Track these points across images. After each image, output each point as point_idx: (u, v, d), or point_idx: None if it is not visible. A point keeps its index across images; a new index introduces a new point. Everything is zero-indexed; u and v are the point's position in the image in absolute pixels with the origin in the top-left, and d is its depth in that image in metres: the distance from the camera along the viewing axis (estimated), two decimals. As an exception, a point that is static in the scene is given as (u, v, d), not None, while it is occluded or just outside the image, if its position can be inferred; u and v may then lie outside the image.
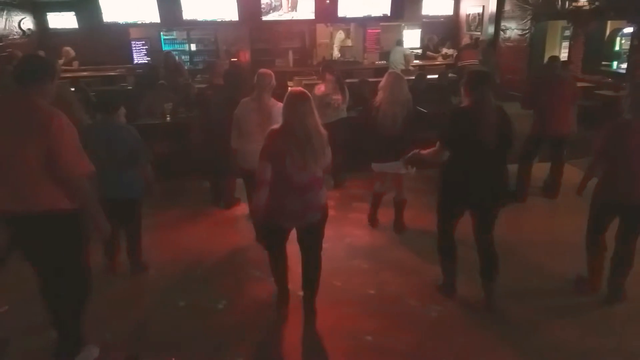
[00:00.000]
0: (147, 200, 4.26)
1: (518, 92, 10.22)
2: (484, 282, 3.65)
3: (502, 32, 11.32)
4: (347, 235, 4.92)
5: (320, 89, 5.82)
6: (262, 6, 9.98)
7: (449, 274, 3.85)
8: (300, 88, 3.31)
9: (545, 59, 6.83)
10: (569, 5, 9.07)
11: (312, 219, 3.26)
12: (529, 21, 10.31)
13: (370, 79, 7.91)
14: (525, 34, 10.49)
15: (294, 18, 10.27)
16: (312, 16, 10.26)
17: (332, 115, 5.69)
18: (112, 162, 3.78)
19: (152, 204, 4.84)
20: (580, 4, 8.78)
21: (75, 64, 11.03)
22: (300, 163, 3.05)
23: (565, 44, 10.26)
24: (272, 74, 4.36)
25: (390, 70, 5.08)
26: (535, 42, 10.52)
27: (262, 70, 4.38)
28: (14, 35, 10.62)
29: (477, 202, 3.54)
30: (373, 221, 5.15)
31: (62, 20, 11.55)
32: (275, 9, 10.06)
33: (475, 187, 3.47)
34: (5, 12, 10.29)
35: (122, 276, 4.22)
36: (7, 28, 10.35)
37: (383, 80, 4.61)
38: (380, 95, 4.56)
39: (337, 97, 5.79)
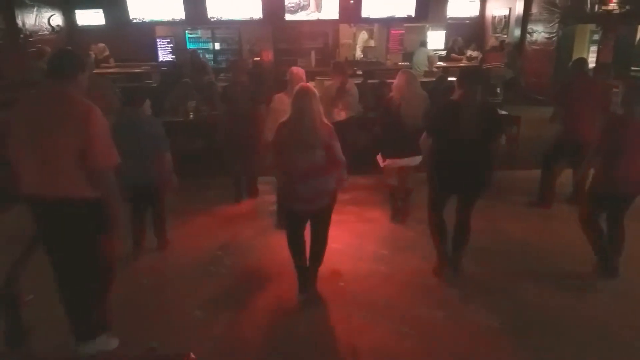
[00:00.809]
0: (168, 188, 4.51)
1: (543, 96, 10.13)
2: (454, 250, 4.14)
3: (528, 35, 11.17)
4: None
5: (331, 88, 5.86)
6: (291, 5, 9.99)
7: (442, 253, 4.17)
8: (306, 84, 3.67)
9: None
10: (598, 9, 8.91)
11: (320, 204, 3.57)
12: (557, 24, 10.16)
13: (390, 80, 7.85)
14: (553, 37, 10.33)
15: (317, 18, 10.27)
16: (335, 16, 10.24)
17: (340, 114, 5.71)
18: (137, 151, 4.02)
19: (174, 203, 5.08)
20: (610, 7, 8.61)
21: (111, 61, 11.24)
22: (300, 151, 3.38)
23: (594, 48, 10.07)
24: (304, 71, 4.85)
25: (402, 70, 5.17)
26: (562, 46, 10.36)
27: (295, 67, 4.92)
28: (44, 31, 10.83)
29: (460, 187, 3.92)
30: (397, 216, 5.29)
31: (90, 17, 11.76)
32: (303, 7, 10.07)
33: (458, 174, 3.82)
34: (35, 9, 10.50)
35: (147, 263, 4.44)
36: (37, 24, 10.56)
37: (397, 80, 4.86)
38: (396, 95, 4.81)
39: (339, 109, 5.69)
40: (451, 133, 3.74)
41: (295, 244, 3.80)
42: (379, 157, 5.15)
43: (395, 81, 4.92)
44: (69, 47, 11.13)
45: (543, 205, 5.53)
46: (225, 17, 10.21)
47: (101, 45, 10.91)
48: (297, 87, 3.55)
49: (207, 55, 11.41)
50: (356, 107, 6.08)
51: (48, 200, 2.84)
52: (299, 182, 3.46)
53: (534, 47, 11.03)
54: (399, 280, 4.14)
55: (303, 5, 10.00)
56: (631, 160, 3.81)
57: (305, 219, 3.73)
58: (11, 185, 2.96)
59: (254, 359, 3.26)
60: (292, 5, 9.98)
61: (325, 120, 3.52)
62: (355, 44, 12.08)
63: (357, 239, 4.89)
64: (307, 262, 3.83)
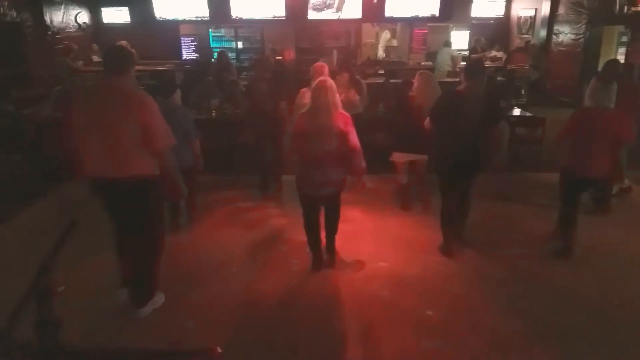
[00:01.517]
0: (196, 170, 4.85)
1: (569, 97, 9.96)
2: (459, 226, 4.50)
3: (554, 36, 10.99)
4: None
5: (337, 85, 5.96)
6: (318, 3, 10.00)
7: (448, 237, 4.47)
8: (324, 78, 3.95)
9: (600, 65, 6.56)
10: (627, 10, 8.71)
11: (330, 190, 3.91)
12: (584, 25, 9.97)
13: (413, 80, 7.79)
14: (579, 38, 10.15)
15: (340, 17, 10.27)
16: (358, 15, 10.22)
17: (347, 110, 5.71)
18: None
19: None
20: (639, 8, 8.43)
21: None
22: (315, 141, 3.69)
23: (622, 50, 9.84)
24: (326, 65, 5.15)
25: (420, 71, 5.25)
26: (589, 48, 10.17)
27: (318, 63, 5.24)
28: (70, 28, 11.04)
29: (462, 172, 4.24)
30: (408, 206, 5.45)
31: (116, 15, 11.93)
32: (329, 6, 10.08)
33: (459, 161, 4.14)
34: (63, 6, 10.70)
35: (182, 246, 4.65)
36: (64, 21, 10.76)
37: (416, 82, 5.06)
38: (417, 95, 4.99)
39: (350, 93, 5.87)
40: (454, 123, 4.06)
41: (310, 225, 4.16)
42: (393, 154, 5.26)
43: (415, 83, 5.08)
44: (94, 45, 11.37)
45: (601, 210, 5.31)
46: (248, 16, 10.28)
47: (123, 42, 11.07)
48: (315, 81, 3.85)
49: (230, 54, 11.48)
50: (363, 105, 6.16)
51: (112, 180, 3.20)
52: (314, 169, 3.78)
53: (560, 48, 10.85)
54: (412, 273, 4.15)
55: (329, 3, 10.00)
56: (598, 147, 4.17)
57: (318, 203, 4.06)
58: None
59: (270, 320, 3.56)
60: (319, 3, 9.99)
61: (342, 111, 3.82)
62: (377, 44, 12.03)
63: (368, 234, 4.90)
64: (321, 243, 4.23)
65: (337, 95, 3.78)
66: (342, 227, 4.32)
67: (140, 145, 3.15)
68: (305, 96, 4.94)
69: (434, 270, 4.24)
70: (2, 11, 8.82)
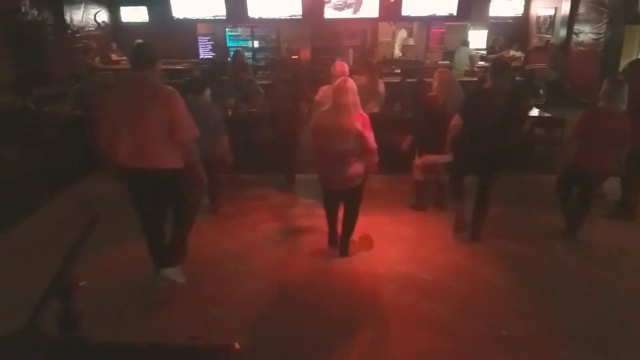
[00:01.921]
0: (224, 163, 5.04)
1: (589, 98, 9.80)
2: (474, 220, 4.63)
3: (574, 36, 10.83)
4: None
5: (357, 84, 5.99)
6: (338, 3, 9.98)
7: (459, 214, 4.78)
8: (345, 78, 4.03)
9: (622, 66, 6.44)
10: (650, 9, 8.56)
11: (349, 185, 4.03)
12: (605, 25, 9.80)
13: (428, 80, 7.72)
14: (600, 38, 9.98)
15: (357, 16, 10.24)
16: (375, 14, 10.18)
17: (364, 110, 5.73)
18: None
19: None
20: (663, 7, 8.27)
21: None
22: (335, 139, 3.81)
23: (644, 50, 9.69)
24: (346, 64, 5.21)
25: (439, 70, 5.24)
26: (610, 48, 9.99)
27: (338, 62, 5.27)
28: (90, 27, 11.16)
29: (481, 166, 4.42)
30: (423, 206, 5.46)
31: (134, 14, 12.04)
32: (349, 5, 10.05)
33: (480, 155, 4.33)
34: (83, 6, 10.82)
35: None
36: (83, 20, 10.89)
37: (435, 81, 5.05)
38: (439, 94, 4.97)
39: (369, 92, 5.85)
40: (479, 119, 4.22)
41: (330, 214, 4.46)
42: (417, 156, 5.21)
43: (434, 81, 5.03)
44: (113, 44, 11.49)
45: (627, 216, 5.20)
46: (265, 16, 10.30)
47: (139, 41, 11.18)
48: (336, 81, 3.95)
49: (246, 53, 11.51)
50: (380, 104, 6.19)
51: (141, 170, 3.41)
52: (333, 165, 3.93)
53: (580, 48, 10.69)
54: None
55: (349, 3, 9.98)
56: (602, 145, 4.34)
57: (338, 196, 4.24)
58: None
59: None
60: (340, 3, 9.96)
61: (361, 112, 3.94)
62: (393, 43, 11.97)
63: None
64: (337, 227, 4.47)
65: (357, 96, 3.88)
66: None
67: (166, 136, 3.35)
68: (326, 95, 4.98)
69: (446, 270, 4.23)
70: (23, 10, 8.95)
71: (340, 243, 4.44)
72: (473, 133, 4.31)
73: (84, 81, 7.23)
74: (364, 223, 4.65)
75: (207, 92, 4.93)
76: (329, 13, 10.16)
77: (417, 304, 3.72)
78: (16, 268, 4.20)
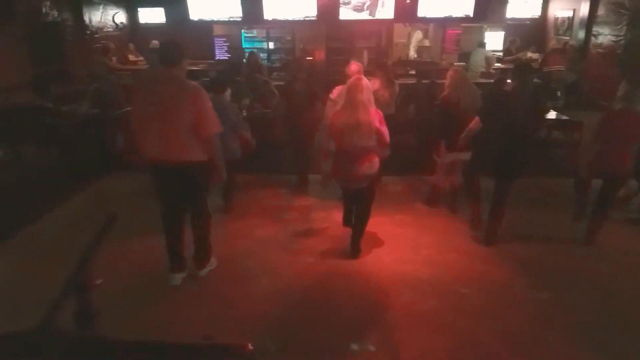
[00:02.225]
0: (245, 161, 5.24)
1: (608, 101, 9.66)
2: (489, 224, 4.58)
3: (593, 38, 10.68)
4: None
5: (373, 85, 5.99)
6: (358, 4, 9.96)
7: (474, 211, 4.84)
8: (358, 76, 4.05)
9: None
10: (671, 11, 8.41)
11: (362, 184, 4.10)
12: (625, 27, 9.65)
13: (440, 81, 7.68)
14: (620, 40, 9.83)
15: (372, 17, 10.20)
16: (391, 16, 10.14)
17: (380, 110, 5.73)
18: None
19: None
20: (685, 9, 8.12)
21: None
22: (353, 136, 3.86)
23: (665, 52, 9.50)
24: (360, 65, 5.27)
25: (452, 68, 5.29)
26: (630, 50, 9.83)
27: (353, 63, 5.36)
28: (108, 28, 11.29)
29: (499, 168, 4.36)
30: (436, 201, 5.51)
31: (152, 15, 12.15)
32: (370, 7, 10.02)
33: (499, 156, 4.29)
34: (101, 6, 10.95)
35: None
36: (102, 21, 11.02)
37: (449, 78, 5.10)
38: (447, 91, 5.05)
39: (384, 93, 5.91)
40: (499, 120, 4.23)
41: (347, 213, 4.65)
42: (438, 153, 5.27)
43: (447, 79, 5.09)
44: (131, 44, 11.60)
45: None
46: (280, 17, 10.31)
47: (155, 42, 11.24)
48: (350, 81, 4.02)
49: (261, 55, 11.55)
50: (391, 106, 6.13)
51: (166, 163, 3.53)
52: (346, 164, 4.00)
53: (599, 50, 10.54)
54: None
55: (368, 4, 9.95)
56: (622, 147, 4.35)
57: (352, 194, 4.35)
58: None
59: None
60: (359, 4, 9.94)
61: (375, 108, 3.98)
62: (409, 44, 11.92)
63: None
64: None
65: (371, 93, 3.95)
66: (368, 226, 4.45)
67: (191, 131, 3.47)
68: (341, 94, 4.98)
69: (460, 273, 4.20)
70: (44, 11, 9.09)
71: (352, 244, 4.44)
72: (492, 135, 4.32)
73: (102, 81, 7.32)
74: (376, 222, 4.67)
75: (228, 92, 5.07)
76: (346, 14, 10.14)
77: (433, 309, 3.70)
78: (35, 265, 4.26)
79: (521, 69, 4.46)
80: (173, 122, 3.44)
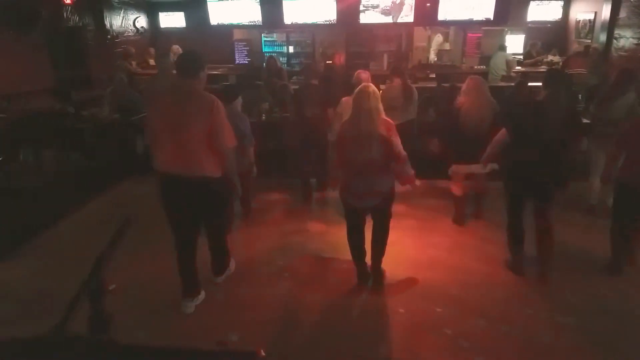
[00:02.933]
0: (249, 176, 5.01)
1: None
2: (540, 258, 4.06)
3: (615, 41, 10.48)
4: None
5: (389, 91, 6.04)
6: (386, 8, 9.93)
7: (516, 254, 4.22)
8: (367, 84, 3.79)
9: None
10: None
11: (375, 201, 3.73)
12: (648, 29, 9.44)
13: (459, 84, 7.57)
14: (643, 42, 9.62)
15: (392, 21, 10.17)
16: (410, 19, 10.09)
17: (399, 117, 5.68)
18: None
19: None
20: None
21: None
22: (357, 148, 3.55)
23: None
24: (369, 73, 5.18)
25: (471, 76, 5.11)
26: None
27: (362, 71, 5.24)
28: (129, 32, 11.44)
29: (534, 188, 3.91)
30: (460, 219, 5.31)
31: (172, 20, 12.28)
32: (397, 10, 9.98)
33: (532, 174, 3.84)
34: (122, 11, 11.11)
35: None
36: (123, 25, 11.17)
37: (465, 85, 4.92)
38: (463, 99, 4.84)
39: (400, 98, 5.93)
40: (531, 133, 3.78)
41: (352, 236, 4.00)
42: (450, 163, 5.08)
43: (463, 86, 4.94)
44: (151, 49, 11.74)
45: None
46: (300, 21, 10.34)
47: (175, 47, 11.35)
48: (358, 88, 3.74)
49: (281, 59, 11.58)
50: (413, 111, 6.18)
51: (179, 177, 3.41)
52: (356, 178, 3.68)
53: (621, 53, 10.33)
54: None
55: (394, 8, 9.90)
56: None
57: (362, 214, 3.92)
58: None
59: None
60: (387, 8, 9.90)
61: (385, 117, 3.70)
62: (429, 47, 11.84)
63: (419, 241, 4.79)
64: (365, 254, 4.03)
65: (380, 101, 3.66)
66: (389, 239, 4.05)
67: (206, 144, 3.37)
68: (348, 105, 4.83)
69: (487, 290, 4.06)
70: (65, 16, 9.25)
71: (373, 272, 4.07)
72: (522, 150, 3.86)
73: (115, 82, 7.41)
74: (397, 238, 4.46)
75: (239, 102, 4.87)
76: (371, 18, 10.10)
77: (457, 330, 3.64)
78: (54, 268, 4.32)
79: (552, 77, 3.95)
80: (187, 135, 3.33)
